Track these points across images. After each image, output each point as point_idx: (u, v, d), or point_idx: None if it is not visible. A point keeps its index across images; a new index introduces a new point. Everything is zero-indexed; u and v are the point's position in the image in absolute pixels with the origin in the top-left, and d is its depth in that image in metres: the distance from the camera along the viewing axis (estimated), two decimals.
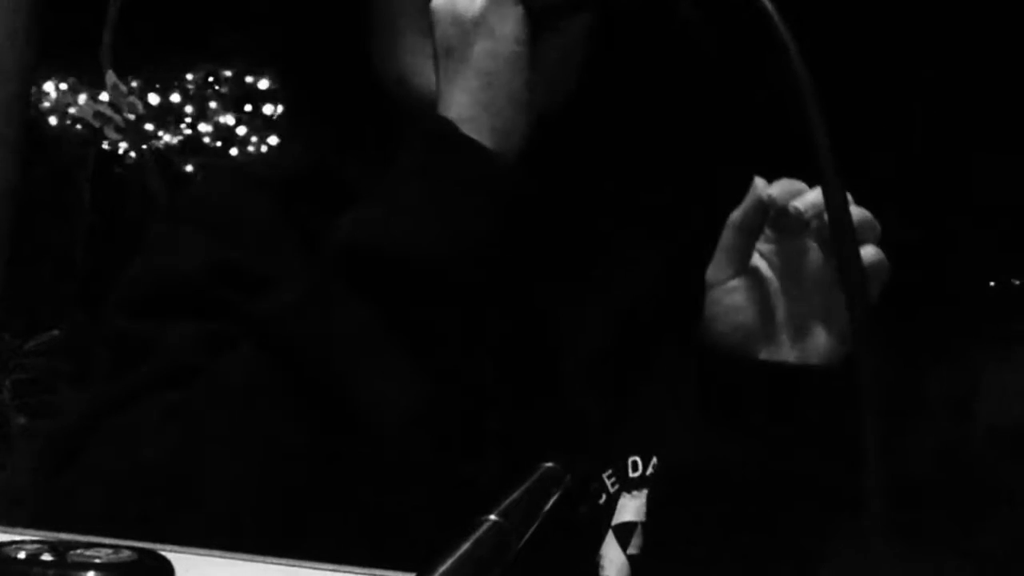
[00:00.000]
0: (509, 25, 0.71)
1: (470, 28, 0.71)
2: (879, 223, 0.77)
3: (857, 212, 0.75)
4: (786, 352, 0.79)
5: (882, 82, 7.22)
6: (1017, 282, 8.37)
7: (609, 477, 0.82)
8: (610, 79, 0.85)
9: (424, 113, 0.73)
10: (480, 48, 0.70)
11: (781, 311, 0.79)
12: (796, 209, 0.76)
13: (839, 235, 0.53)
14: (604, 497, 0.81)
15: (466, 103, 0.71)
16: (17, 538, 0.47)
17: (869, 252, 0.75)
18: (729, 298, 0.80)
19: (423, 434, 0.68)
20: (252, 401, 0.68)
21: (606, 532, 0.81)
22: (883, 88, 7.29)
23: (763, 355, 0.79)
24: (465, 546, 0.45)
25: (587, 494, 0.81)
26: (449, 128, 0.71)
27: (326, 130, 0.87)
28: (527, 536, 0.48)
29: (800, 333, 0.79)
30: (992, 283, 8.46)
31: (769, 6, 0.57)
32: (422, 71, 0.77)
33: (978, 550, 6.18)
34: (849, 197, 0.75)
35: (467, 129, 0.71)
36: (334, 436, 0.66)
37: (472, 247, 0.69)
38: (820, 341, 0.79)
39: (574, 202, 0.88)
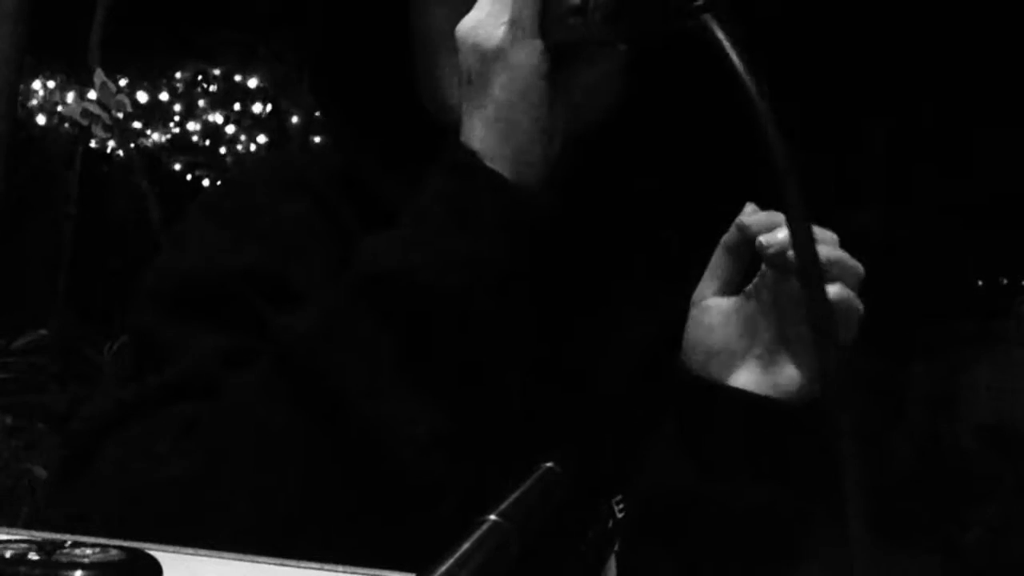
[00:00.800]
0: (528, 58, 0.70)
1: (489, 59, 0.71)
2: (861, 264, 0.77)
3: (832, 252, 0.76)
4: (754, 381, 0.79)
5: (871, 81, 7.24)
6: (1005, 281, 8.40)
7: (618, 503, 0.81)
8: (646, 109, 0.84)
9: (449, 140, 0.74)
10: (499, 80, 0.71)
11: (756, 340, 0.79)
12: (760, 244, 0.76)
13: (805, 272, 0.52)
14: (611, 523, 0.81)
15: (485, 133, 0.71)
16: (3, 537, 0.47)
17: (836, 291, 0.75)
18: (702, 316, 0.80)
19: (442, 461, 0.68)
20: (269, 423, 0.68)
21: (609, 557, 0.81)
22: (871, 87, 7.30)
23: (731, 381, 0.79)
24: (465, 546, 0.45)
25: (595, 518, 0.81)
26: (470, 159, 0.71)
27: (365, 142, 0.87)
28: (527, 536, 0.48)
29: (771, 365, 0.79)
30: (980, 282, 8.49)
31: (715, 28, 0.57)
32: (457, 91, 0.76)
33: (961, 545, 6.20)
34: (834, 237, 0.76)
35: (487, 159, 0.71)
36: (351, 461, 0.66)
37: (489, 276, 0.69)
38: (789, 376, 0.79)
39: (604, 225, 0.88)
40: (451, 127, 0.76)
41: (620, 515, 0.81)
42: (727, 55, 0.54)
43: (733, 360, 0.80)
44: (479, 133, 0.72)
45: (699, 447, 0.79)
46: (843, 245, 0.78)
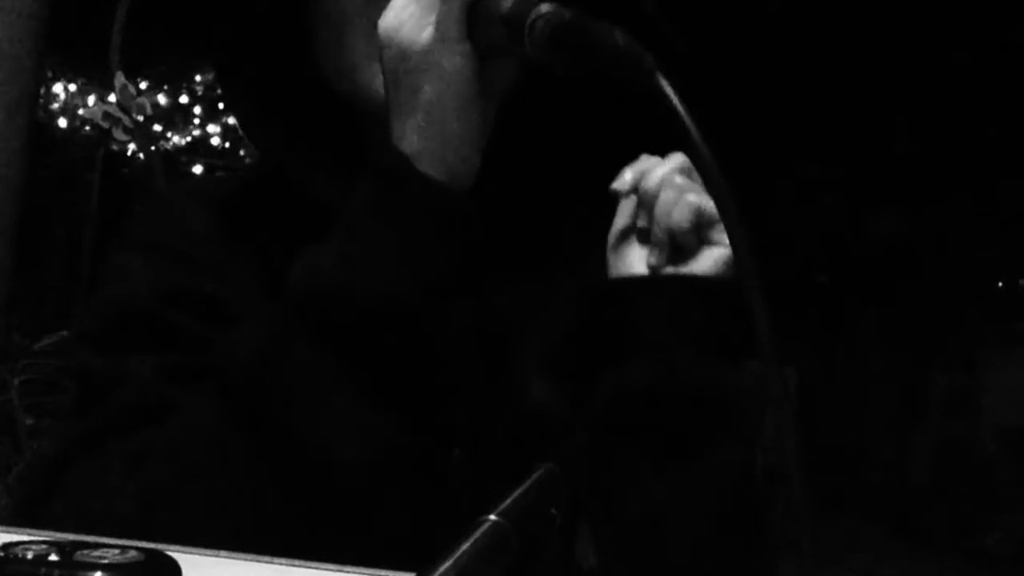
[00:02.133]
0: (456, 63, 0.68)
1: (416, 62, 0.69)
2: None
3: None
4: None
5: (895, 85, 7.21)
6: None
7: None
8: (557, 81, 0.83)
9: (377, 142, 0.72)
10: (427, 84, 0.69)
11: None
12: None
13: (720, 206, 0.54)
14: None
15: (416, 137, 0.70)
16: (25, 538, 0.48)
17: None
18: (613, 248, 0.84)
19: (396, 470, 0.68)
20: (218, 452, 0.68)
21: (576, 524, 0.81)
22: (894, 91, 7.28)
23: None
24: (465, 546, 0.46)
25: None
26: (404, 165, 0.70)
27: (275, 133, 0.85)
28: (527, 536, 0.49)
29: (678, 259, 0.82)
30: (1000, 283, 8.45)
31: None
32: (371, 74, 0.75)
33: (983, 549, 6.17)
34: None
35: (419, 163, 0.70)
36: (305, 481, 0.67)
37: (428, 285, 0.69)
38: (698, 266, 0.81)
39: (523, 205, 0.87)
40: (366, 110, 0.75)
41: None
42: (681, 119, 0.54)
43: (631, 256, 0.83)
44: (410, 137, 0.70)
45: (642, 339, 0.80)
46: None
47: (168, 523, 0.66)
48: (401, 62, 0.70)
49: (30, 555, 0.45)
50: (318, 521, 0.67)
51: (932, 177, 7.55)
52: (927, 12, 6.67)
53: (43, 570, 0.45)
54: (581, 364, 0.83)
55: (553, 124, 0.87)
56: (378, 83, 0.73)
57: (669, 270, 0.81)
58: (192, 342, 0.73)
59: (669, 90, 0.55)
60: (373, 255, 0.69)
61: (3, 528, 0.55)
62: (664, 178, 0.80)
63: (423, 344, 0.69)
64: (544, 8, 0.64)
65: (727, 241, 0.79)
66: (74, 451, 0.71)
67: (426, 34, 0.69)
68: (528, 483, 0.53)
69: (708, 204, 0.78)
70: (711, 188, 0.52)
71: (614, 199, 0.84)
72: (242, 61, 0.85)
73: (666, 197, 0.80)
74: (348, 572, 0.54)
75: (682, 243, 0.80)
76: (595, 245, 0.85)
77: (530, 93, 0.80)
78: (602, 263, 0.85)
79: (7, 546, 0.46)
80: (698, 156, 0.53)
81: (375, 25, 0.72)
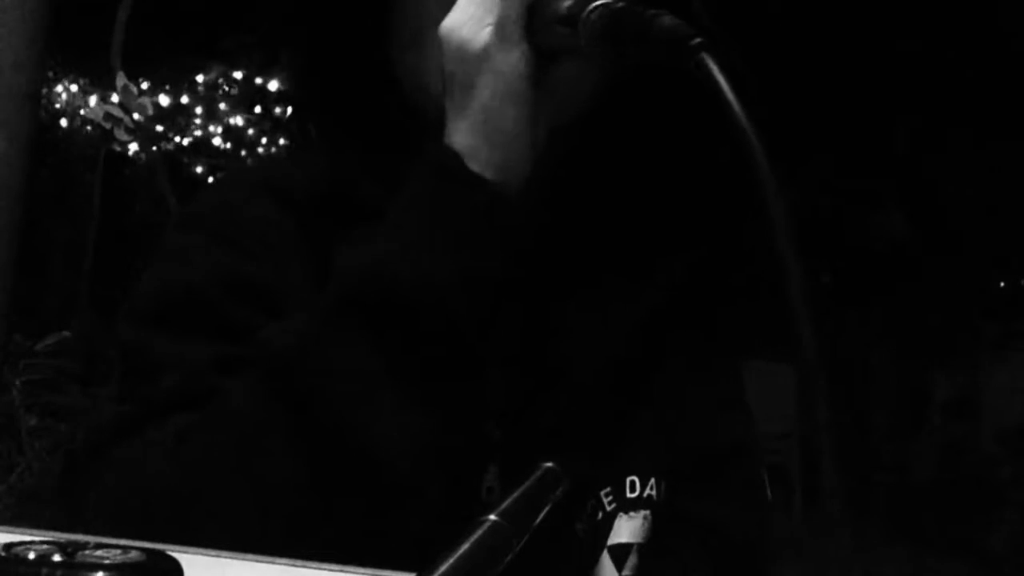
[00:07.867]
0: (514, 62, 0.70)
1: (473, 61, 0.70)
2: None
3: None
4: None
5: (888, 82, 7.21)
6: None
7: (606, 495, 0.82)
8: (624, 99, 0.83)
9: (431, 142, 0.73)
10: (483, 82, 0.70)
11: None
12: None
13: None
14: (601, 515, 0.81)
15: (469, 135, 0.71)
16: (27, 538, 0.48)
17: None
18: None
19: (431, 468, 0.68)
20: (258, 437, 0.68)
21: (601, 552, 0.81)
22: (890, 87, 7.28)
23: None
24: (465, 546, 0.46)
25: (584, 512, 0.81)
26: (454, 161, 0.71)
27: (346, 143, 0.86)
28: (527, 536, 0.49)
29: None
30: (1001, 283, 8.44)
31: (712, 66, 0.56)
32: (435, 77, 0.75)
33: (984, 549, 6.17)
34: None
35: (471, 161, 0.70)
36: (340, 472, 0.67)
37: (474, 282, 0.69)
38: None
39: (584, 215, 0.87)
40: (429, 114, 0.75)
41: (610, 508, 0.81)
42: (725, 97, 0.54)
43: None
44: (463, 135, 0.71)
45: None
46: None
47: (204, 508, 0.66)
48: (459, 61, 0.71)
49: (32, 555, 0.45)
50: (353, 514, 0.67)
51: (932, 177, 7.55)
52: (928, 12, 6.67)
53: (45, 570, 0.45)
54: (629, 386, 0.83)
55: (629, 146, 0.87)
56: (439, 85, 0.74)
57: None
58: (246, 332, 0.73)
59: (715, 69, 0.55)
60: (416, 252, 0.69)
61: (4, 528, 0.56)
62: None
63: (464, 337, 0.69)
64: (598, 3, 0.66)
65: None
66: (119, 432, 0.72)
67: (484, 33, 0.70)
68: (528, 483, 0.53)
69: None
70: (755, 174, 0.51)
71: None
72: (323, 76, 0.87)
73: None
74: (348, 572, 0.54)
75: None
76: (658, 270, 0.85)
77: (607, 111, 0.81)
78: (664, 287, 0.84)
79: (9, 546, 0.46)
80: (743, 138, 0.52)
81: None
